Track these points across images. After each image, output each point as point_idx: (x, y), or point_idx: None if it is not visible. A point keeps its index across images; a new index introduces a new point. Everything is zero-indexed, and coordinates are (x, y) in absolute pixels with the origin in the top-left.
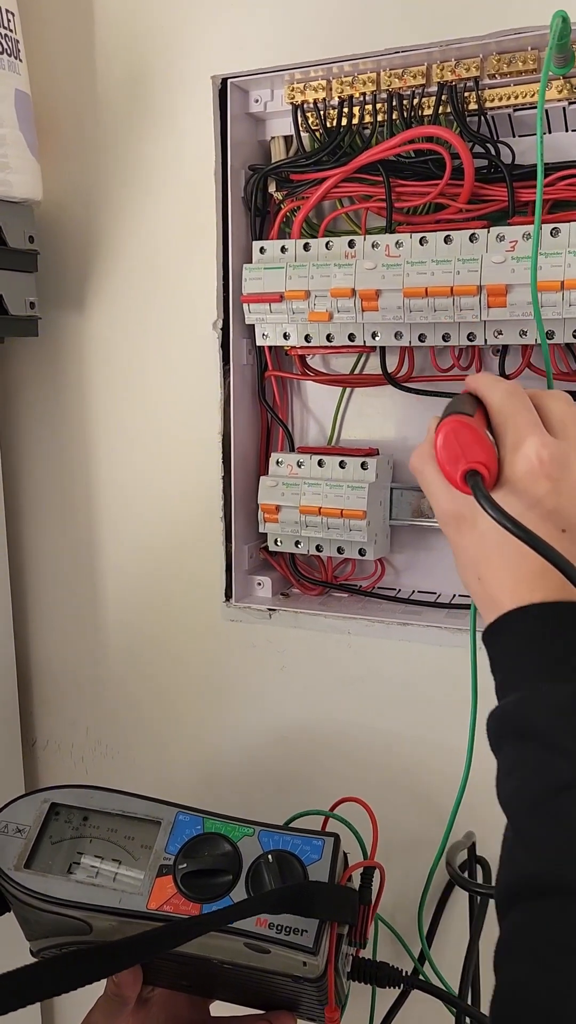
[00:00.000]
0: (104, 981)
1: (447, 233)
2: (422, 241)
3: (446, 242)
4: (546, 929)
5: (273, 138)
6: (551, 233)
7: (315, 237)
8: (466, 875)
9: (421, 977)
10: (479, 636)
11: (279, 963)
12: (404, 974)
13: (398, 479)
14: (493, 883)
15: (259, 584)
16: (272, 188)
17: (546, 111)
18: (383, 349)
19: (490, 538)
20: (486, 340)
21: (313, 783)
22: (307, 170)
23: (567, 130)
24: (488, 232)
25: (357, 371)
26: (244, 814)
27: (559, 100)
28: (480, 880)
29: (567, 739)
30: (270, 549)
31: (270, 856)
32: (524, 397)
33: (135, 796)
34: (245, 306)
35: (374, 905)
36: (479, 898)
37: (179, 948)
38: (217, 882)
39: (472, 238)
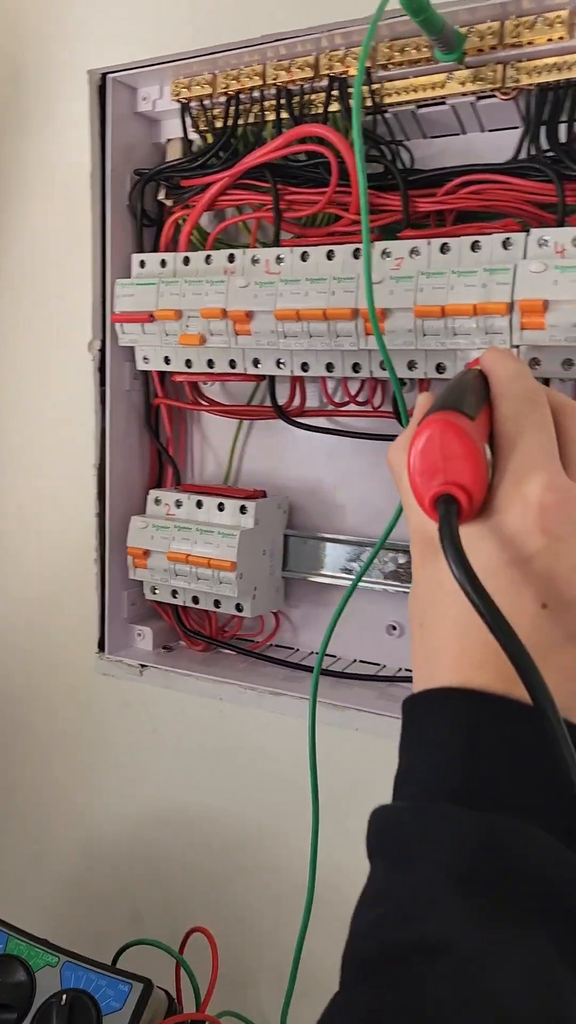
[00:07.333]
0: None
1: (330, 248)
2: (304, 256)
3: (328, 258)
4: None
5: (169, 140)
6: (441, 249)
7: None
8: None
9: None
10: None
11: None
12: None
13: (297, 525)
14: None
15: (139, 635)
16: (162, 195)
17: (454, 108)
18: (272, 379)
19: (448, 583)
20: (371, 372)
21: (182, 873)
22: (194, 175)
23: (483, 130)
24: (373, 247)
25: (254, 403)
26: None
27: (464, 94)
28: None
29: (448, 891)
30: (147, 598)
31: (64, 996)
32: (545, 409)
33: None
34: (118, 326)
35: None
36: None
37: None
38: (0, 1019)
39: (356, 254)
